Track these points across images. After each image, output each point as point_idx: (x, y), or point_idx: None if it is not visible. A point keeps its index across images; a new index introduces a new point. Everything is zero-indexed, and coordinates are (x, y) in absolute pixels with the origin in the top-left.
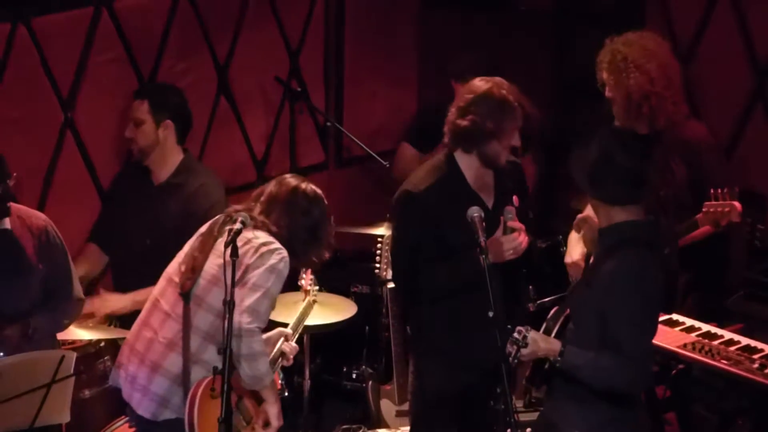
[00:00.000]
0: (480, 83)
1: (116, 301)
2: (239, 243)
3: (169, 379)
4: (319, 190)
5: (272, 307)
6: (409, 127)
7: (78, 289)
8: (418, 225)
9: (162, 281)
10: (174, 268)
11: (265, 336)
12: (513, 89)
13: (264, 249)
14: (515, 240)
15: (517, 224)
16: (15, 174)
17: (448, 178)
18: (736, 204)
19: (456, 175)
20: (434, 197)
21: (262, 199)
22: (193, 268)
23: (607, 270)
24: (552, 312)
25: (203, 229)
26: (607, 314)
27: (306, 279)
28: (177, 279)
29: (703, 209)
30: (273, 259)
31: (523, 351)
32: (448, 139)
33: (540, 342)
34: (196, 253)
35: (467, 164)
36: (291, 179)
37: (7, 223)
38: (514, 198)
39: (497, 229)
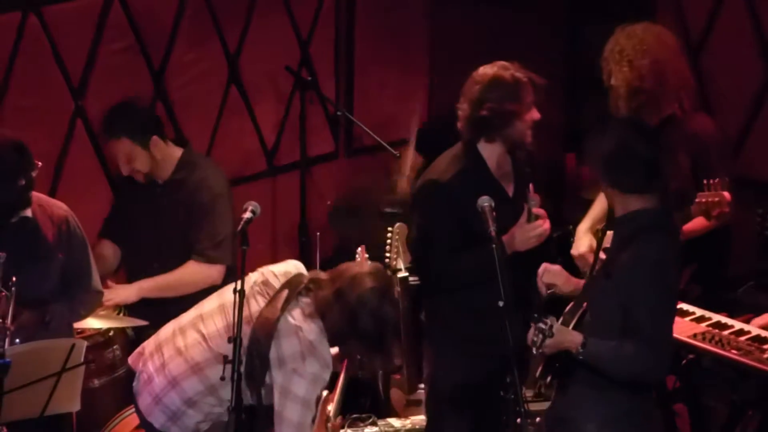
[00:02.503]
0: (484, 70)
1: (122, 291)
2: (289, 331)
3: (183, 399)
4: (392, 305)
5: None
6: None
7: (97, 281)
8: (444, 214)
9: (214, 303)
10: (230, 298)
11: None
12: (516, 66)
13: (308, 352)
14: (540, 227)
15: (541, 211)
16: (40, 164)
17: (470, 167)
18: (726, 194)
19: (478, 163)
20: (459, 186)
21: (333, 287)
22: (265, 323)
23: (626, 258)
24: (569, 306)
25: (273, 279)
26: (628, 302)
27: (362, 257)
28: (230, 313)
29: (696, 199)
30: (316, 366)
31: (548, 341)
32: (467, 133)
33: (565, 333)
34: (268, 305)
35: (489, 153)
36: (368, 281)
37: (29, 211)
38: (531, 186)
39: (521, 216)
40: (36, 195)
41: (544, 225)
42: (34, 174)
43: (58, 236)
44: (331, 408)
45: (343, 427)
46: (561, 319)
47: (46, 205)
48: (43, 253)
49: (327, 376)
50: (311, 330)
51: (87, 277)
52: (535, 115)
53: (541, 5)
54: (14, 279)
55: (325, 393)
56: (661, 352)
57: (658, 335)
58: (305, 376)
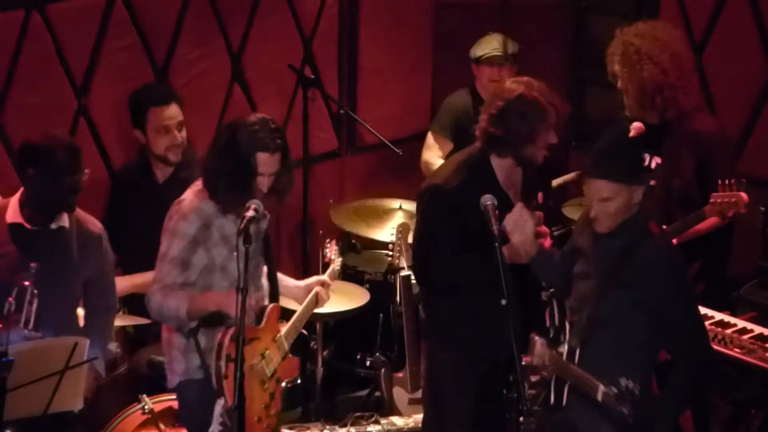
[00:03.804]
0: (510, 87)
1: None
2: None
3: (166, 346)
4: (260, 119)
5: (184, 266)
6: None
7: (116, 299)
8: (445, 220)
9: None
10: None
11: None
12: (543, 87)
13: (173, 213)
14: (541, 245)
15: (543, 229)
16: (88, 170)
17: (479, 176)
18: (743, 195)
19: (487, 173)
20: (463, 194)
21: None
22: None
23: (638, 265)
24: (568, 329)
25: None
26: (656, 306)
27: (330, 250)
28: None
29: (711, 200)
30: (174, 221)
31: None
32: (481, 143)
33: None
34: None
35: (499, 164)
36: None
37: (66, 220)
38: (540, 195)
39: None
40: (77, 209)
41: (544, 244)
42: (83, 178)
43: (88, 253)
44: (283, 330)
45: (345, 426)
46: (566, 346)
47: (83, 221)
48: (70, 265)
49: (187, 229)
50: (185, 196)
51: (110, 296)
52: (552, 139)
53: (543, 4)
54: (30, 283)
55: (270, 305)
56: (706, 346)
57: (698, 329)
58: (166, 233)
